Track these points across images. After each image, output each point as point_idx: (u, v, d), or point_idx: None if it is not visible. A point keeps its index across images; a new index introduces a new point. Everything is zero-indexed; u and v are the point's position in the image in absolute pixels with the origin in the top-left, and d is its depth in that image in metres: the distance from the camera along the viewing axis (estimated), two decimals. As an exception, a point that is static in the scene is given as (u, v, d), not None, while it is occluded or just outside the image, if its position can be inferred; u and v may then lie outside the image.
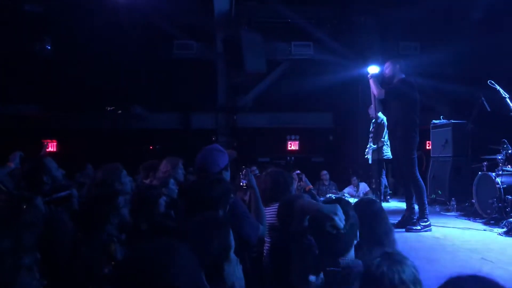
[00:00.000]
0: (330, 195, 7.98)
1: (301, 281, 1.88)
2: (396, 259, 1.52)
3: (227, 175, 2.75)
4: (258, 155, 12.54)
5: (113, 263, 2.24)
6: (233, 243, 1.75)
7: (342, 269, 1.79)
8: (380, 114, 7.69)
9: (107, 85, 10.57)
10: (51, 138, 11.94)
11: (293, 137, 13.21)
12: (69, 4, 8.27)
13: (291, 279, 2.03)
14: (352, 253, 1.88)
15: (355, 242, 1.91)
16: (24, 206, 2.30)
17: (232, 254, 1.73)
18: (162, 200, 3.27)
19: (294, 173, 4.35)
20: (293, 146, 13.21)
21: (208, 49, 11.07)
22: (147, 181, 3.97)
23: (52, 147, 11.98)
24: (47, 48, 9.47)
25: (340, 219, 1.82)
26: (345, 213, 1.86)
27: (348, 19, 10.63)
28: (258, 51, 10.39)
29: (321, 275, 1.82)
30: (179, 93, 11.35)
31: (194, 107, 11.82)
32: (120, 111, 11.27)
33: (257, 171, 7.97)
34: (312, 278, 1.83)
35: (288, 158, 13.08)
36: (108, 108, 10.99)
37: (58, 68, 10.26)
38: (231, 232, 1.75)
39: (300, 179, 3.69)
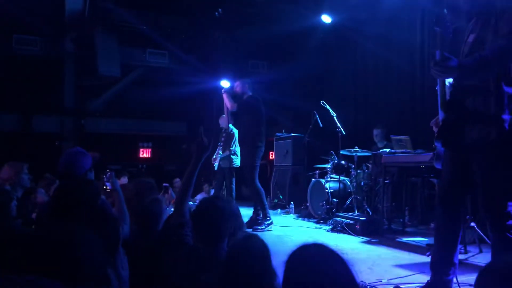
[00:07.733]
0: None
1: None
2: (257, 238, 1.82)
3: (91, 176, 2.80)
4: (108, 162, 12.04)
5: None
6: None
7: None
8: (230, 125, 8.36)
9: None
10: None
11: (145, 144, 13.06)
12: None
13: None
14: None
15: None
16: None
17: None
18: (13, 205, 3.11)
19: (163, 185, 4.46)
20: (145, 153, 13.07)
21: (56, 46, 10.28)
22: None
23: None
24: None
25: None
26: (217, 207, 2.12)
27: (203, 33, 11.10)
28: (112, 54, 10.10)
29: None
30: (20, 93, 10.21)
31: (37, 109, 10.78)
32: None
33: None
34: None
35: (140, 165, 12.89)
36: None
37: None
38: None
39: (166, 191, 3.88)
